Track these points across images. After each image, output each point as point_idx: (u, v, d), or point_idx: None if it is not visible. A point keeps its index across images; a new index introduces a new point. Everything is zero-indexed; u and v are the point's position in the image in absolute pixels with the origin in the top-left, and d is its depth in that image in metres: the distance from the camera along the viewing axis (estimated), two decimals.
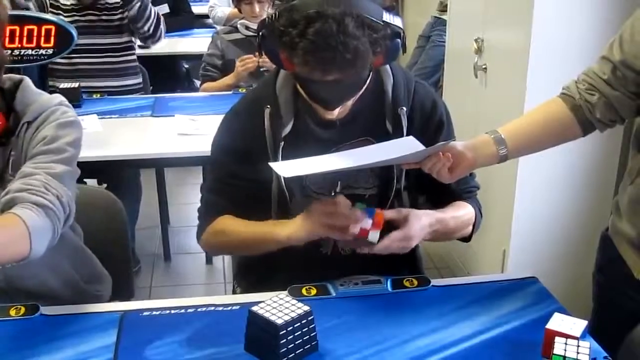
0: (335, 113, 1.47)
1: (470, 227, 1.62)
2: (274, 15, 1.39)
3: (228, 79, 3.21)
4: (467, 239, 1.65)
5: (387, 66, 1.56)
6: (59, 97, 1.53)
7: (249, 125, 1.57)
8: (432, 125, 1.59)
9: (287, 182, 1.55)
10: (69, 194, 1.42)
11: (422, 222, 1.47)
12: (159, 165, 3.29)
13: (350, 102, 1.50)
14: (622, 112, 1.47)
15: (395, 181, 1.58)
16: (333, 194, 1.59)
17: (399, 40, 1.41)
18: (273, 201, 1.58)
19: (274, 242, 1.50)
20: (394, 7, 4.37)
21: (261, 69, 3.07)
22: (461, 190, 1.62)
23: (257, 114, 1.56)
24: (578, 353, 1.20)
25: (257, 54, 2.98)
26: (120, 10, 3.28)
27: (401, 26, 1.42)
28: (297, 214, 1.52)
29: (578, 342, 1.22)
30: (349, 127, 1.55)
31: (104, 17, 3.28)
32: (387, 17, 1.40)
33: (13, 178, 1.42)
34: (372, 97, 1.55)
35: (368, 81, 1.50)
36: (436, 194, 1.60)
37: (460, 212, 1.58)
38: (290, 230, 1.48)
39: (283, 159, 1.54)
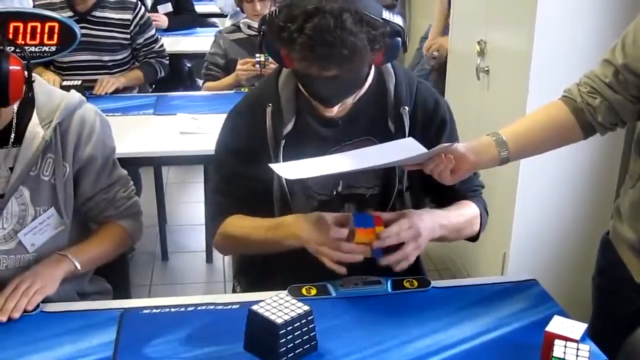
0: (335, 110, 1.47)
1: (477, 226, 1.61)
2: (274, 12, 1.40)
3: (229, 79, 3.21)
4: (474, 238, 1.64)
5: (389, 66, 1.56)
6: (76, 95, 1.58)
7: (251, 124, 1.57)
8: (434, 125, 1.59)
9: (289, 181, 1.55)
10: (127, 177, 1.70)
11: (423, 216, 1.46)
12: (161, 163, 3.30)
13: (350, 101, 1.50)
14: (623, 116, 1.46)
15: (397, 182, 1.58)
16: (334, 193, 1.59)
17: (399, 38, 1.41)
18: (275, 200, 1.58)
19: (284, 247, 1.50)
20: (394, 6, 4.35)
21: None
22: (465, 189, 1.62)
23: (259, 113, 1.56)
24: (578, 356, 1.19)
25: (259, 62, 3.00)
26: (122, 29, 3.21)
27: (402, 25, 1.41)
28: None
29: (578, 345, 1.21)
30: (351, 126, 1.55)
31: (101, 33, 3.17)
32: (387, 15, 1.40)
33: (47, 178, 1.52)
34: (374, 97, 1.55)
35: (370, 80, 1.50)
36: (440, 193, 1.60)
37: (465, 211, 1.58)
38: (296, 241, 1.47)
39: (284, 157, 1.54)
